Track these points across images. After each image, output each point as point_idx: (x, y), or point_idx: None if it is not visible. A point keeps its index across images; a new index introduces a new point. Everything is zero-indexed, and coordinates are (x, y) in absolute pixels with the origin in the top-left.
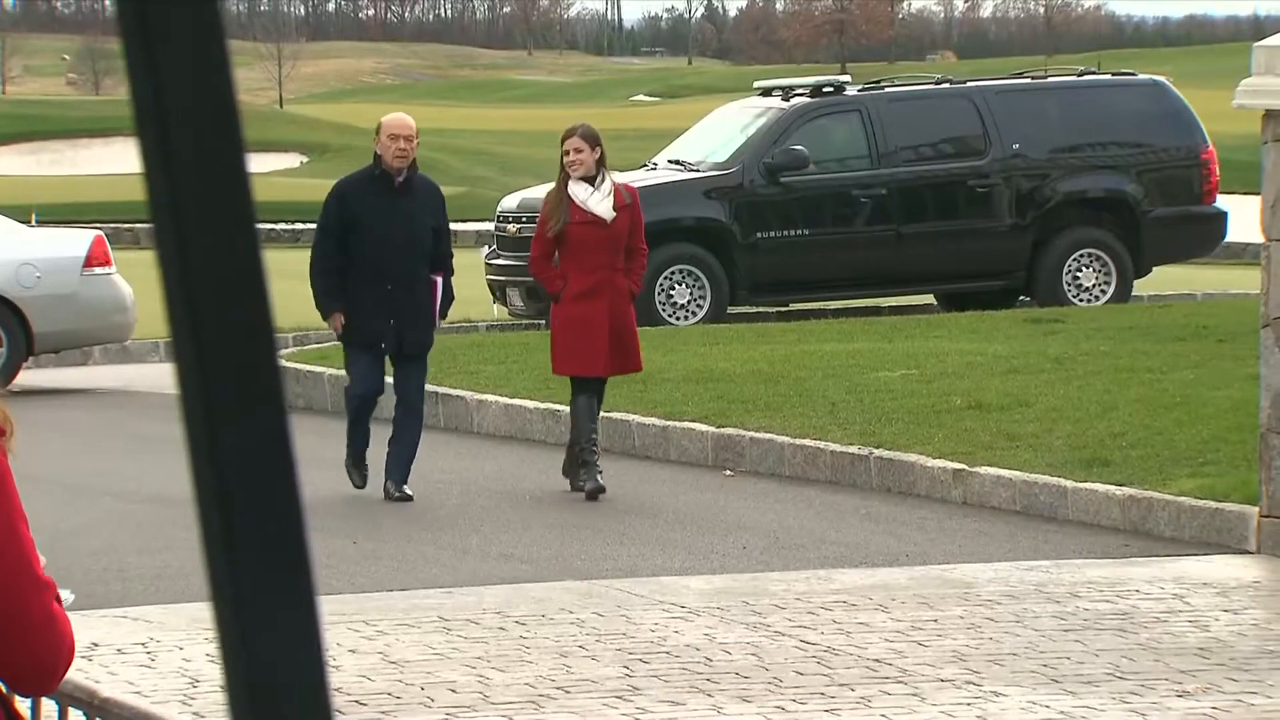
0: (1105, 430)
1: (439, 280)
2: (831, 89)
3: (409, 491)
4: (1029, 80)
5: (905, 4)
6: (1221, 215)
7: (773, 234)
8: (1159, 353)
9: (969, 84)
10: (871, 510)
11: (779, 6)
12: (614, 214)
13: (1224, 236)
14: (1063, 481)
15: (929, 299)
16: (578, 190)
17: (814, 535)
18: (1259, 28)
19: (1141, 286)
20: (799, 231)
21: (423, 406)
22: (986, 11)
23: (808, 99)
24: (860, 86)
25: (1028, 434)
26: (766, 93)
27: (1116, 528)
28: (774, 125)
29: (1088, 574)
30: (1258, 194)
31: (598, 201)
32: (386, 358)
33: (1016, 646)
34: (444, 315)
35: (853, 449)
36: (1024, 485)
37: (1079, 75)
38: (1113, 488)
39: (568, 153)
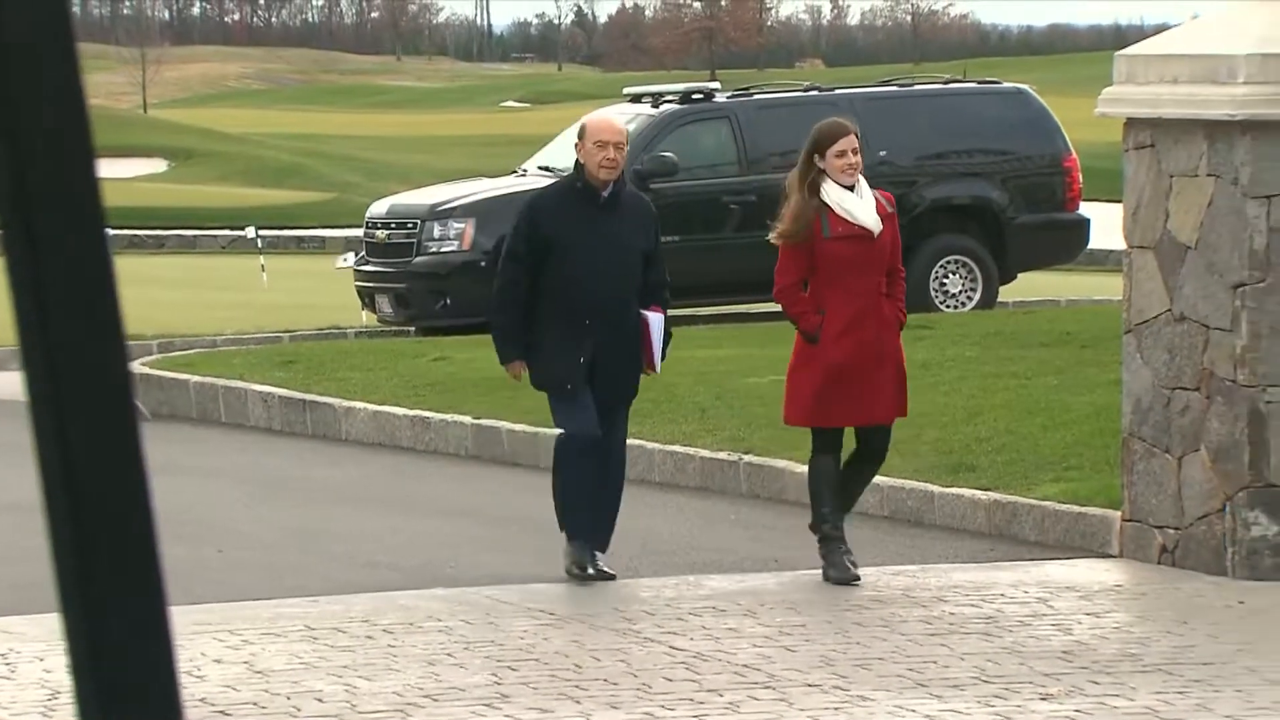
0: (971, 435)
1: (653, 316)
2: (701, 96)
3: (608, 569)
4: (896, 88)
5: (773, 11)
6: (1084, 222)
7: None
8: (1024, 359)
9: (837, 91)
10: (741, 516)
11: (648, 13)
12: (880, 225)
13: (1087, 243)
14: (929, 486)
15: None
16: (842, 197)
17: (683, 541)
18: (1120, 36)
19: (1007, 293)
20: (669, 238)
21: (625, 463)
22: (854, 19)
23: (677, 106)
24: (729, 93)
25: (895, 439)
26: (636, 99)
27: (982, 532)
28: (644, 132)
29: (954, 578)
30: (1120, 201)
31: (865, 210)
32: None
33: (883, 651)
34: (664, 357)
35: (722, 455)
36: (891, 490)
37: (945, 83)
38: (978, 492)
39: (842, 154)
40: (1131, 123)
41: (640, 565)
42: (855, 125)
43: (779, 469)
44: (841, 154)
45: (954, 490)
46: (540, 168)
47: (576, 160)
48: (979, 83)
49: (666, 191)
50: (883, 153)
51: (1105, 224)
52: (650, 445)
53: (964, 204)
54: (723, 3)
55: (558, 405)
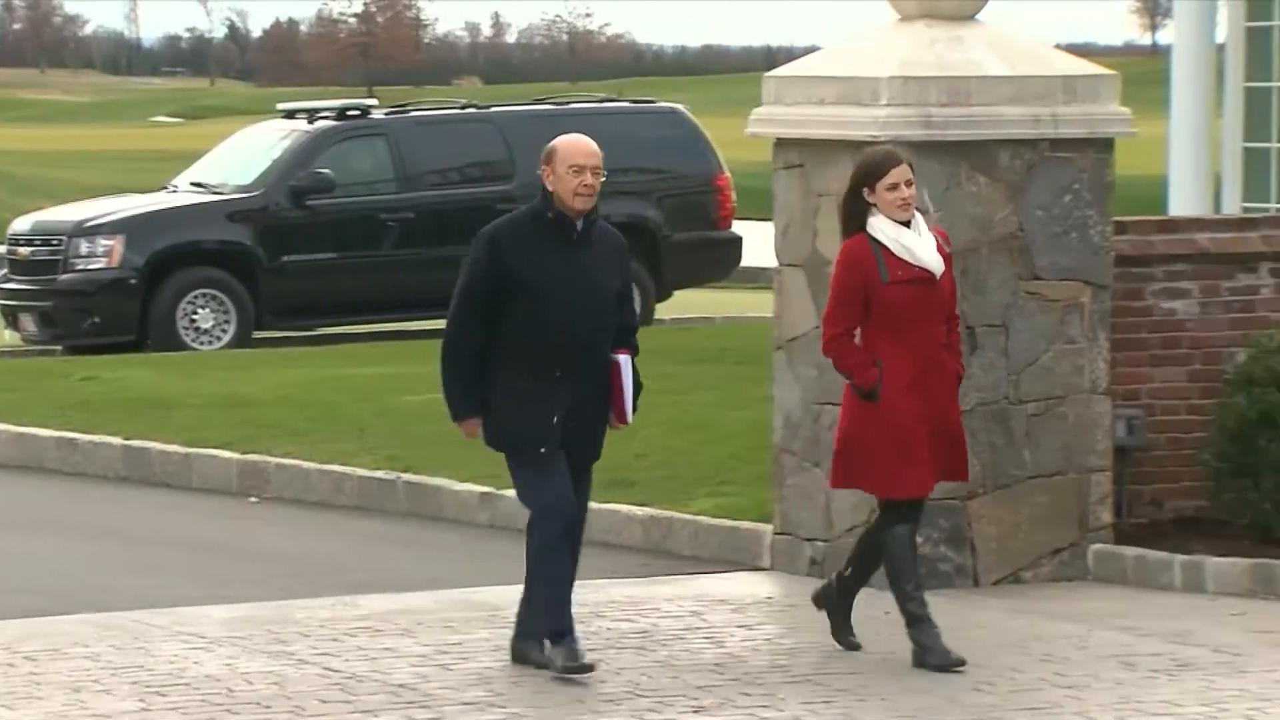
0: (628, 451)
1: (623, 359)
2: (357, 112)
3: (585, 656)
4: (552, 106)
5: (431, 28)
6: (737, 240)
7: (299, 257)
8: (680, 375)
9: (493, 109)
10: (399, 535)
11: (303, 28)
12: (942, 266)
13: (740, 261)
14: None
15: None
16: (900, 234)
17: (340, 561)
18: (771, 57)
19: (663, 310)
20: (326, 255)
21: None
22: (512, 37)
23: (333, 122)
24: (386, 110)
25: None
26: (290, 115)
27: (638, 547)
28: (299, 148)
29: (610, 594)
30: (771, 219)
31: (926, 249)
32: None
33: None
34: (635, 408)
35: (380, 474)
36: None
37: (600, 102)
38: (635, 508)
39: (895, 186)
40: (781, 143)
41: (296, 586)
42: (909, 156)
43: (437, 487)
44: (894, 186)
45: (610, 506)
46: (192, 184)
47: (543, 188)
48: (634, 102)
49: (323, 208)
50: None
51: (758, 242)
52: (307, 465)
53: (621, 222)
54: (379, 19)
55: (525, 473)
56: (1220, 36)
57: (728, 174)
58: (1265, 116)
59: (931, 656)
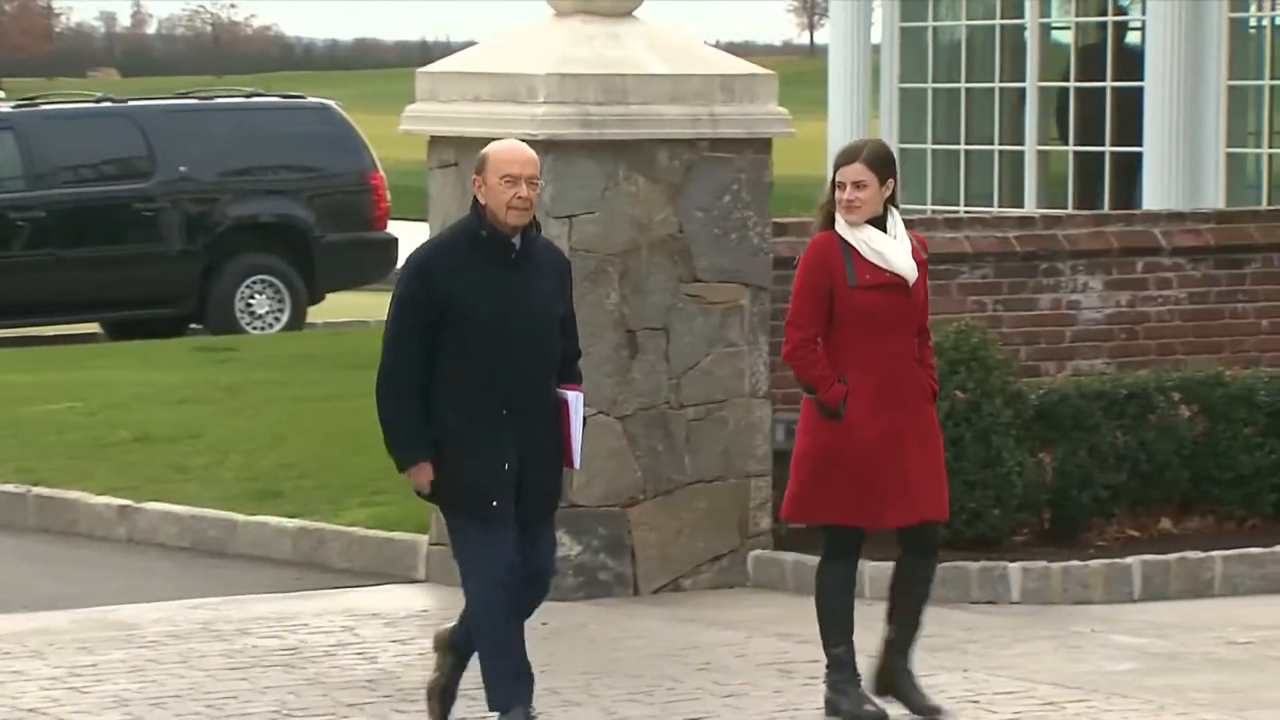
0: (276, 461)
1: (573, 396)
2: None
3: (535, 712)
4: (195, 101)
5: (63, 17)
6: (393, 241)
7: None
8: (332, 381)
9: (131, 103)
10: (29, 551)
11: None
12: (916, 273)
13: (396, 262)
14: (232, 515)
15: (94, 327)
16: (870, 236)
17: None
18: (427, 52)
19: (315, 314)
20: None
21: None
22: (152, 28)
23: None
24: (14, 103)
25: (197, 466)
26: None
27: (289, 560)
28: None
29: (257, 609)
30: (427, 220)
31: (899, 253)
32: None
33: (180, 688)
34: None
35: (9, 487)
36: (192, 520)
37: (246, 97)
38: (284, 520)
39: (842, 186)
40: (435, 141)
41: None
42: (876, 151)
43: (71, 500)
44: (840, 185)
45: (259, 518)
46: None
47: (474, 201)
48: (283, 97)
49: None
50: (183, 168)
51: (413, 243)
52: None
53: (269, 222)
54: (7, 7)
55: (467, 530)
56: (876, 37)
57: (382, 173)
58: (920, 117)
59: (846, 703)
